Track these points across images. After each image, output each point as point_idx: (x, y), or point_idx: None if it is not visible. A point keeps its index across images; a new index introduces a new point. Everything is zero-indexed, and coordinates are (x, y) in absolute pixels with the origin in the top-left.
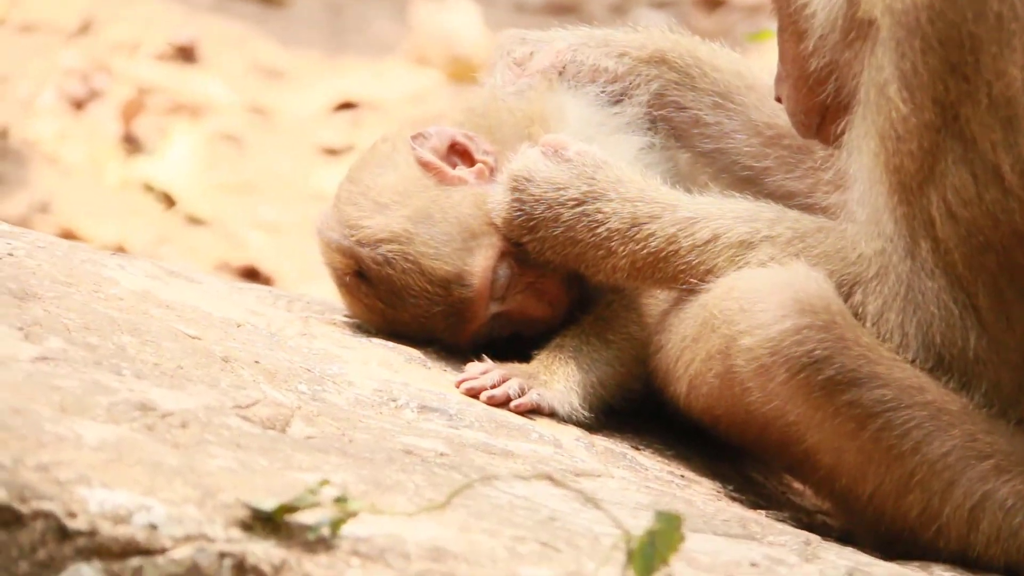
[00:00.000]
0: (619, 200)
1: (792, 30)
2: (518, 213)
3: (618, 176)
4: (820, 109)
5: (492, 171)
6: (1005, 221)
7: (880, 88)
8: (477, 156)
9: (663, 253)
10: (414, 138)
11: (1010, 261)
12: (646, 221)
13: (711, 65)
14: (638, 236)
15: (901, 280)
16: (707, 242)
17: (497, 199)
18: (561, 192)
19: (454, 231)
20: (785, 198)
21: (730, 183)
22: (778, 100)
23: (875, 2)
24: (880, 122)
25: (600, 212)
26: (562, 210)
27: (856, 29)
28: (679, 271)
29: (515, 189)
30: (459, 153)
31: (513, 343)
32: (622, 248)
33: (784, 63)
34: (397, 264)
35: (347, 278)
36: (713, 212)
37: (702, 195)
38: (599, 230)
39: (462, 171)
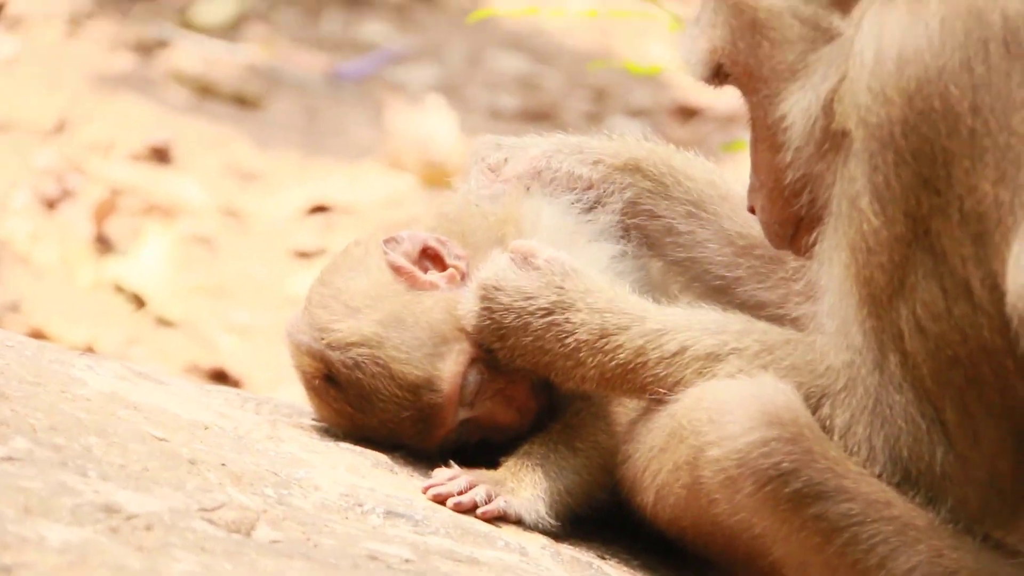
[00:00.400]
0: (588, 311)
1: (769, 142)
2: (488, 322)
3: (587, 286)
4: (794, 220)
5: (464, 276)
6: (973, 336)
7: (852, 200)
8: (449, 261)
9: (631, 365)
10: (386, 242)
11: (978, 376)
12: (614, 332)
13: (685, 174)
14: (606, 347)
15: (869, 393)
16: (675, 354)
17: (467, 307)
18: (530, 301)
19: (425, 336)
20: (757, 308)
21: (702, 292)
22: (751, 211)
23: (849, 114)
24: (851, 234)
25: (569, 322)
26: (531, 319)
27: (830, 140)
28: (647, 382)
29: (484, 298)
30: (431, 257)
31: (481, 448)
32: (591, 359)
33: (758, 174)
34: (367, 368)
35: (316, 381)
36: (681, 324)
37: (671, 306)
38: (568, 340)
39: (433, 276)
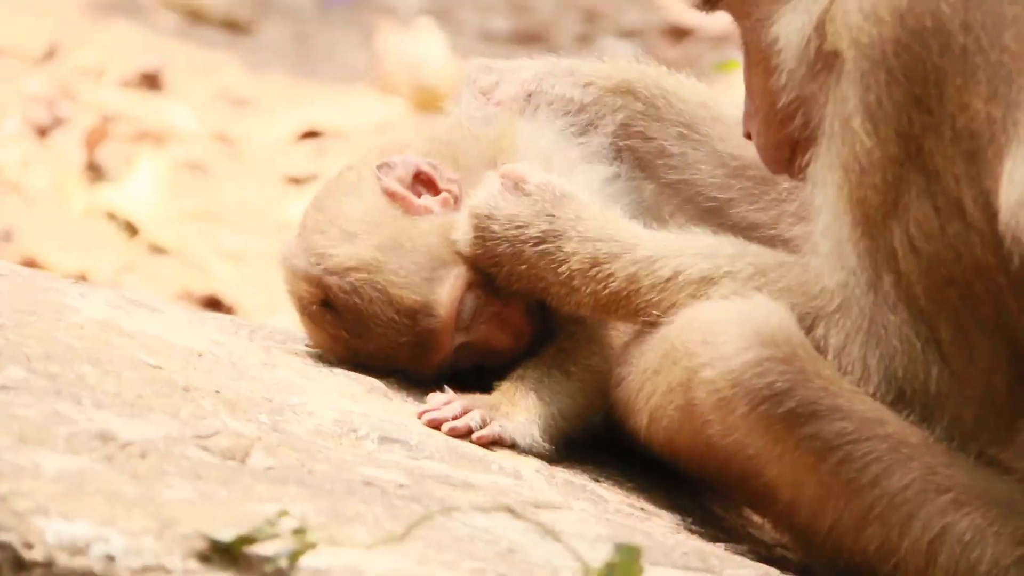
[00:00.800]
0: (579, 239)
1: (762, 65)
2: (481, 250)
3: (578, 212)
4: (790, 143)
5: (457, 200)
6: (967, 254)
7: (844, 120)
8: (442, 185)
9: (624, 292)
10: (379, 167)
11: (972, 295)
12: (606, 261)
13: (677, 96)
14: (599, 276)
15: (864, 313)
16: (668, 280)
17: (461, 233)
18: (521, 230)
19: (422, 260)
20: (749, 229)
21: (694, 214)
22: (747, 136)
23: (841, 34)
24: (844, 154)
25: (561, 251)
26: (524, 248)
27: (822, 61)
28: (640, 308)
29: (477, 227)
30: (424, 182)
31: (475, 373)
32: (584, 287)
33: (752, 98)
34: (365, 293)
35: (313, 307)
36: (673, 249)
37: (663, 231)
38: (561, 269)
39: (427, 200)
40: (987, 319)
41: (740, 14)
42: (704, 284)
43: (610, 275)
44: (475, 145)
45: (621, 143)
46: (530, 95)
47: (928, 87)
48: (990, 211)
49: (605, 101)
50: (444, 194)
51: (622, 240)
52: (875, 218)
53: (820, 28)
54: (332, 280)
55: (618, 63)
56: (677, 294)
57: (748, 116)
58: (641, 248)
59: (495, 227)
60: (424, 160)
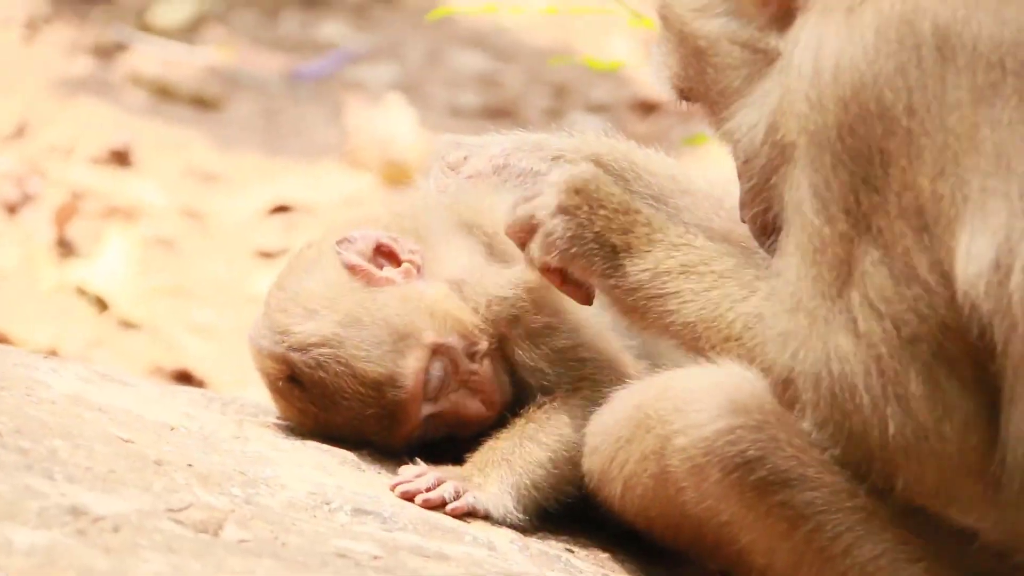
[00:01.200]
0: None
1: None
2: (592, 187)
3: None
4: (763, 229)
5: (419, 269)
6: (931, 315)
7: (797, 206)
8: (403, 256)
9: (692, 269)
10: (339, 243)
11: (944, 352)
12: (694, 243)
13: (646, 169)
14: (681, 245)
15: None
16: (726, 271)
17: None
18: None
19: (383, 334)
20: None
21: None
22: (743, 221)
23: (791, 125)
24: (800, 239)
25: (662, 227)
26: (630, 213)
27: (780, 153)
28: (689, 291)
29: (595, 173)
30: (385, 255)
31: (447, 446)
32: (662, 253)
33: (741, 185)
34: (330, 367)
35: (280, 383)
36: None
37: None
38: (655, 236)
39: (389, 272)
40: (966, 376)
41: (708, 111)
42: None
43: (690, 250)
44: (445, 217)
45: None
46: (499, 169)
47: (874, 168)
48: (947, 279)
49: None
50: (406, 265)
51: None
52: (830, 294)
53: (773, 123)
54: (297, 356)
55: (587, 137)
56: (722, 295)
57: (741, 202)
58: (693, 250)
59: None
60: (384, 233)
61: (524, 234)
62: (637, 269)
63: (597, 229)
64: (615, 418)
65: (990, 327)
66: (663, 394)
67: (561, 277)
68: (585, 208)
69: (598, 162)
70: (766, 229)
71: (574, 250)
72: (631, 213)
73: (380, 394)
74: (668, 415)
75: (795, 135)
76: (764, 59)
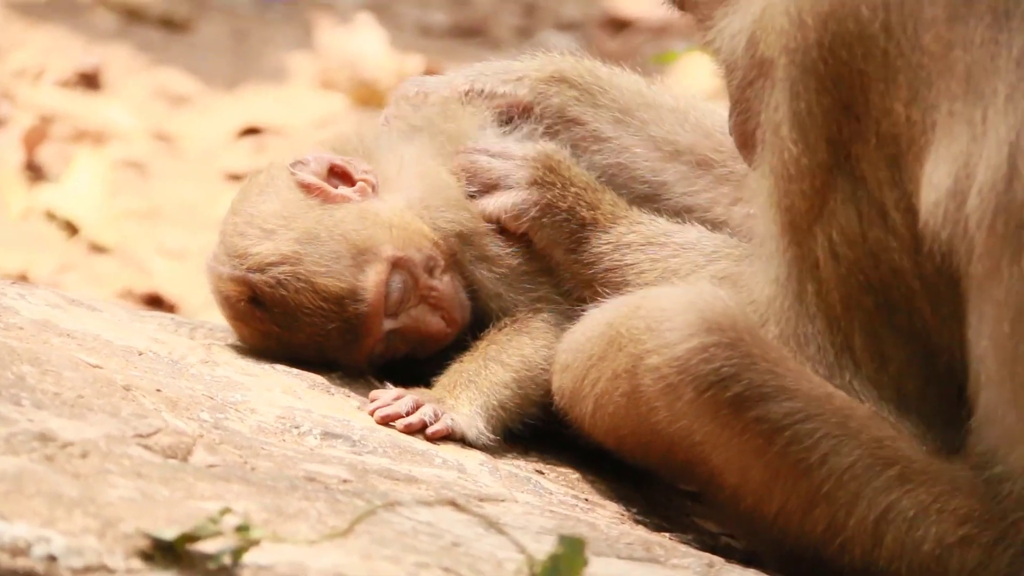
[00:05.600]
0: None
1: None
2: (562, 166)
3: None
4: (750, 143)
5: (374, 188)
6: (884, 260)
7: (775, 128)
8: (357, 176)
9: (654, 241)
10: (293, 165)
11: (887, 301)
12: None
13: (610, 83)
14: (644, 219)
15: (788, 325)
16: (688, 243)
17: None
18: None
19: (342, 248)
20: (684, 212)
21: (629, 199)
22: (731, 132)
23: (772, 42)
24: (775, 162)
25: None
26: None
27: (758, 68)
28: (649, 260)
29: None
30: (339, 175)
31: (408, 369)
32: (625, 228)
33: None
34: (290, 285)
35: (241, 304)
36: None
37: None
38: (618, 211)
39: (344, 190)
40: (901, 325)
41: (698, 16)
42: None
43: (653, 223)
44: (396, 135)
45: (556, 128)
46: (463, 94)
47: (855, 92)
48: (911, 215)
49: (539, 90)
50: (360, 184)
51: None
52: (802, 225)
53: (753, 35)
54: (256, 277)
55: (551, 56)
56: (682, 261)
57: (730, 113)
58: (655, 224)
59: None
60: (336, 156)
61: (482, 185)
62: (600, 242)
63: (568, 204)
64: (587, 336)
65: (949, 255)
66: (635, 312)
67: (519, 240)
68: (559, 185)
69: (563, 78)
70: (747, 140)
71: (545, 220)
72: (597, 191)
73: (341, 308)
74: (640, 334)
75: (775, 52)
76: None
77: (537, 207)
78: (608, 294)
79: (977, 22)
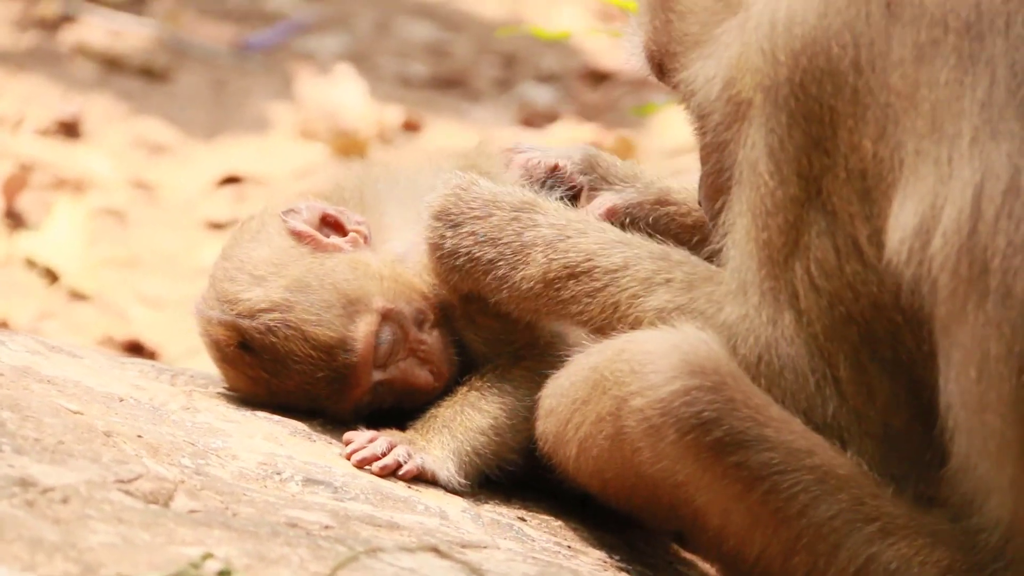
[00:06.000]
0: (554, 214)
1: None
2: (450, 205)
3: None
4: (714, 194)
5: (366, 239)
6: (864, 293)
7: (752, 164)
8: (350, 227)
9: (579, 269)
10: (285, 212)
11: (871, 333)
12: (572, 235)
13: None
14: (561, 247)
15: (755, 348)
16: (617, 269)
17: (434, 193)
18: (499, 196)
19: (333, 298)
20: None
21: None
22: (699, 204)
23: (748, 82)
24: (752, 198)
25: (532, 220)
26: (495, 211)
27: (735, 110)
28: (585, 294)
29: (457, 187)
30: (331, 225)
31: (391, 419)
32: (542, 256)
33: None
34: (279, 332)
35: (230, 350)
36: (632, 241)
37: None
38: (526, 235)
39: (336, 240)
40: (886, 357)
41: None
42: (645, 285)
43: (572, 246)
44: (391, 188)
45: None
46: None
47: (824, 128)
48: (883, 249)
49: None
50: (352, 234)
51: (593, 224)
52: (778, 259)
53: (731, 78)
54: (246, 323)
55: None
56: (620, 292)
57: (701, 161)
58: (609, 232)
59: (475, 190)
60: (329, 205)
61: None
62: (524, 280)
63: (466, 246)
64: (571, 380)
65: (915, 296)
66: (619, 356)
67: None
68: (449, 231)
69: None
70: (716, 193)
71: (452, 270)
72: (496, 211)
73: (331, 358)
74: (624, 376)
75: (751, 91)
76: (727, 10)
77: (442, 258)
78: (562, 320)
79: (943, 63)
